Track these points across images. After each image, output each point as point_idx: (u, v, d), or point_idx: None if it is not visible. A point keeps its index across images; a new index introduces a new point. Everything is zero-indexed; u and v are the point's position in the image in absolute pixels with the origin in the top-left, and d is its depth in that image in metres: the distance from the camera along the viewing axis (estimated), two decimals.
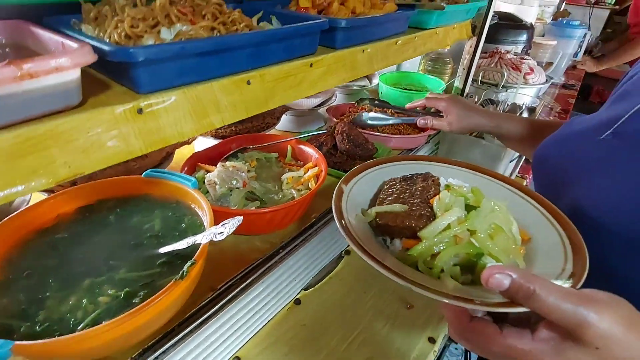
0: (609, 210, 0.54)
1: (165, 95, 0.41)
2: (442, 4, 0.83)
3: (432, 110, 1.04)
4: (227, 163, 0.72)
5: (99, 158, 0.37)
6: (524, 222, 0.58)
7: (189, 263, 0.48)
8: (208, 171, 0.75)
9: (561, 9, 3.59)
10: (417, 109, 1.08)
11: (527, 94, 1.51)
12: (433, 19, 0.89)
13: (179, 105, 0.43)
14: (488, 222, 0.51)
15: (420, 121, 0.98)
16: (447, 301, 0.38)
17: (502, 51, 1.66)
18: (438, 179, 0.64)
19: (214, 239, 0.50)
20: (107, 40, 0.41)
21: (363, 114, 1.07)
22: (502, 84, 1.53)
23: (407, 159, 0.76)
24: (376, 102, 1.19)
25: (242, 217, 0.50)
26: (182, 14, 0.44)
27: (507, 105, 1.29)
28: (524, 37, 1.92)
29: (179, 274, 0.47)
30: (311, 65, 0.60)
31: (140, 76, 0.39)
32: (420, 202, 0.57)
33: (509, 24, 1.91)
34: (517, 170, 1.31)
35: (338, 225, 0.52)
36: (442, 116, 0.95)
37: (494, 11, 2.09)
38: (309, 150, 0.86)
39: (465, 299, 0.37)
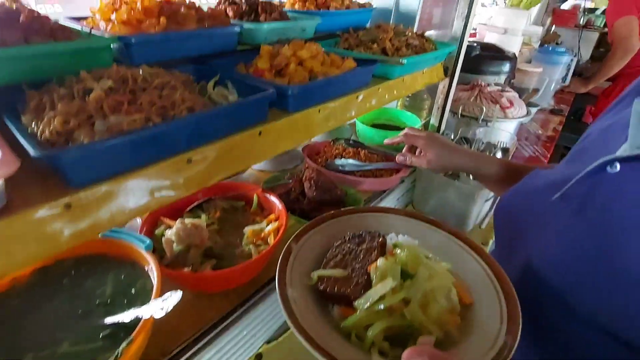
0: (553, 269, 0.56)
1: (95, 188, 0.42)
2: (401, 60, 0.85)
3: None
4: (187, 220, 0.73)
5: (23, 258, 0.38)
6: (471, 282, 0.60)
7: (124, 344, 0.49)
8: (169, 226, 0.76)
9: (551, 32, 3.64)
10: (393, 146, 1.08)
11: (506, 129, 1.53)
12: (396, 70, 0.91)
13: (111, 195, 0.44)
14: (422, 291, 0.52)
15: (399, 157, 0.97)
16: None
17: (482, 84, 1.68)
18: (385, 239, 0.64)
19: (155, 315, 0.51)
20: (40, 135, 0.42)
21: (335, 160, 1.09)
22: (482, 117, 1.55)
23: (364, 210, 0.78)
24: (351, 142, 1.20)
25: (180, 292, 0.51)
26: (118, 103, 0.46)
27: (482, 143, 1.30)
28: (506, 68, 1.94)
29: (114, 355, 0.48)
30: (260, 133, 0.61)
31: (66, 173, 0.40)
32: (360, 267, 0.58)
33: (491, 55, 1.95)
34: (493, 209, 1.30)
35: (278, 293, 0.52)
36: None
37: (477, 42, 2.13)
38: (274, 199, 0.87)
39: None
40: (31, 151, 0.38)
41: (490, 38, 2.29)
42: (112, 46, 0.61)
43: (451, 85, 1.22)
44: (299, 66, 0.75)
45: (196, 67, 0.74)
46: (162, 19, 0.67)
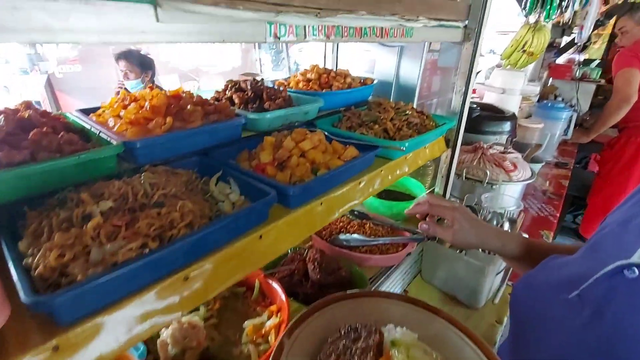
0: None
1: (85, 324, 0.40)
2: (402, 147, 0.86)
3: (435, 218, 0.92)
4: (184, 319, 0.70)
5: None
6: None
7: None
8: None
9: (548, 85, 3.75)
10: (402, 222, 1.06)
11: (511, 193, 1.51)
12: (398, 151, 0.91)
13: (100, 329, 0.42)
14: None
15: (422, 225, 0.88)
16: None
17: (485, 146, 1.69)
18: (382, 337, 0.61)
19: None
20: (34, 269, 0.41)
21: (340, 235, 1.06)
22: (487, 181, 1.54)
23: (363, 295, 0.75)
24: (356, 213, 1.19)
25: None
26: (115, 228, 0.46)
27: (489, 212, 1.28)
28: (507, 127, 1.97)
29: None
30: (260, 237, 0.60)
31: (54, 316, 0.38)
32: None
33: (491, 115, 1.98)
34: (507, 278, 1.25)
35: None
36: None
37: (476, 103, 2.18)
38: (276, 287, 0.84)
39: None
40: (22, 295, 0.37)
41: (489, 97, 2.35)
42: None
43: (454, 156, 1.22)
44: (301, 158, 0.76)
45: (201, 160, 0.75)
46: (169, 119, 0.69)
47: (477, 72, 1.38)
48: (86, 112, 0.81)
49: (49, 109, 0.78)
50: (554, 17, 1.96)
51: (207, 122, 0.74)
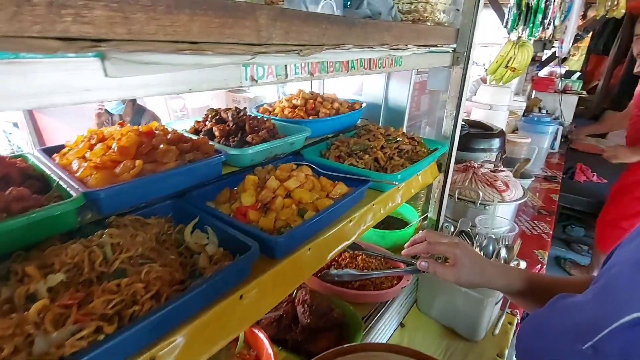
0: None
1: None
2: (395, 182, 0.80)
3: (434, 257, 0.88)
4: None
5: None
6: None
7: None
8: None
9: (532, 97, 3.81)
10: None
11: (503, 213, 1.48)
12: (389, 185, 0.86)
13: None
14: None
15: (421, 263, 0.82)
16: None
17: (475, 165, 1.66)
18: None
19: None
20: None
21: (331, 270, 0.99)
22: (479, 201, 1.50)
23: (364, 348, 0.69)
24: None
25: None
26: (65, 309, 0.39)
27: (484, 238, 1.23)
28: (496, 144, 1.95)
29: None
30: (241, 297, 0.53)
31: None
32: None
33: (480, 132, 1.97)
34: (507, 306, 1.20)
35: None
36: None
37: (464, 120, 2.17)
38: (262, 337, 0.77)
39: None
40: None
41: (477, 114, 2.35)
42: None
43: (446, 181, 1.18)
44: (287, 198, 0.70)
45: (176, 204, 0.68)
46: (138, 162, 0.63)
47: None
48: (50, 151, 0.73)
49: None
50: (537, 34, 1.97)
51: (183, 162, 0.68)
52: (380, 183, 0.84)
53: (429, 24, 0.92)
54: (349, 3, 0.79)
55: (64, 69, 0.28)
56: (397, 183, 0.80)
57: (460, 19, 0.97)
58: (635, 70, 3.89)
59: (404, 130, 1.19)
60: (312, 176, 0.77)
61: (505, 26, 2.02)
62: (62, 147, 0.74)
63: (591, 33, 4.07)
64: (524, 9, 1.88)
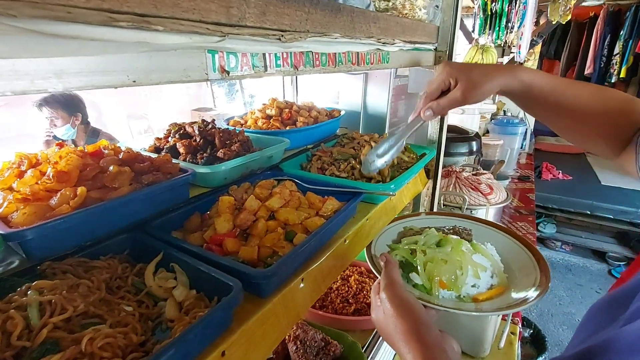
0: None
1: None
2: (390, 192, 0.72)
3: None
4: None
5: None
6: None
7: None
8: None
9: (497, 101, 3.94)
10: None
11: (490, 219, 1.43)
12: (382, 196, 0.77)
13: None
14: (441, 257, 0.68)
15: (425, 112, 0.64)
16: None
17: (457, 170, 1.63)
18: None
19: None
20: None
21: (368, 156, 0.73)
22: (465, 207, 1.45)
23: None
24: None
25: None
26: None
27: None
28: (474, 147, 1.94)
29: None
30: (223, 354, 0.41)
31: None
32: None
33: (457, 137, 1.95)
34: (510, 316, 1.13)
35: None
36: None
37: None
38: None
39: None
40: None
41: (451, 119, 2.35)
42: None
43: (435, 187, 1.11)
44: (271, 221, 0.59)
45: (134, 237, 0.55)
46: (81, 190, 0.50)
47: None
48: None
49: None
50: (502, 38, 2.01)
51: (140, 187, 0.55)
52: (373, 195, 0.75)
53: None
54: None
55: None
56: (393, 193, 0.71)
57: (439, 16, 0.92)
58: (585, 72, 4.13)
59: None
60: (297, 192, 0.66)
61: (472, 31, 2.04)
62: None
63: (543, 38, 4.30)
64: (489, 13, 1.91)
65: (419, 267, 0.68)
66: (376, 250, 0.73)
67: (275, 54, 0.39)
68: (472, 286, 0.68)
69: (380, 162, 0.70)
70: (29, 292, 0.37)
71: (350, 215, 0.70)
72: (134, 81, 0.26)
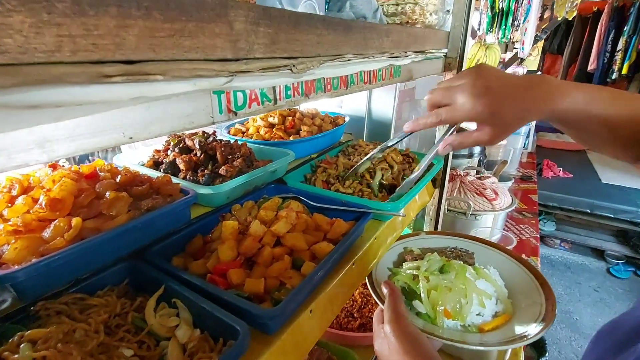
0: None
1: None
2: (400, 212, 0.69)
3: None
4: None
5: None
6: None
7: None
8: None
9: None
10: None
11: (493, 223, 1.41)
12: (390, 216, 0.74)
13: None
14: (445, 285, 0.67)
15: (443, 148, 0.57)
16: None
17: (462, 174, 1.60)
18: None
19: None
20: None
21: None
22: (470, 212, 1.43)
23: None
24: None
25: None
26: None
27: None
28: (478, 149, 1.91)
29: None
30: None
31: None
32: None
33: None
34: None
35: None
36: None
37: None
38: None
39: None
40: None
41: None
42: None
43: (442, 196, 1.09)
44: (277, 247, 0.56)
45: (133, 267, 0.52)
46: (76, 221, 0.47)
47: None
48: None
49: None
50: (509, 36, 1.97)
51: (139, 214, 0.52)
52: (382, 214, 0.72)
53: (418, 26, 0.82)
54: (327, 6, 0.68)
55: None
56: (403, 214, 0.68)
57: (450, 21, 0.89)
58: (589, 68, 4.08)
59: None
60: (303, 214, 0.63)
61: (478, 28, 2.00)
62: None
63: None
64: (497, 11, 1.86)
65: (422, 295, 0.67)
66: (377, 274, 0.72)
67: (286, 85, 0.36)
68: (477, 314, 0.66)
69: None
70: (21, 346, 0.34)
71: (358, 237, 0.67)
72: (131, 137, 0.23)
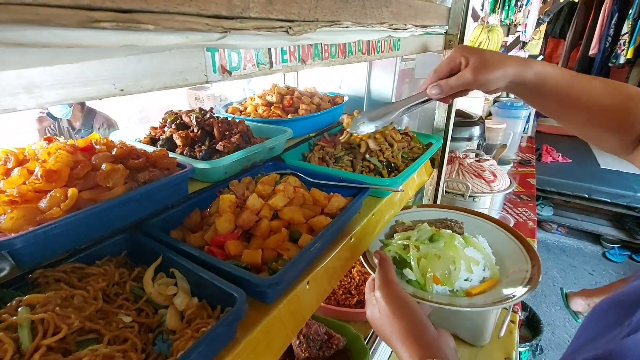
0: None
1: None
2: (399, 188, 0.69)
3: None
4: None
5: None
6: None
7: None
8: None
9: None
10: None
11: (491, 205, 1.42)
12: (388, 192, 0.74)
13: None
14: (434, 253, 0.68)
15: (431, 91, 0.61)
16: None
17: (460, 156, 1.59)
18: None
19: None
20: None
21: (359, 116, 0.74)
22: (468, 194, 1.43)
23: None
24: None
25: None
26: None
27: None
28: (477, 132, 1.90)
29: None
30: None
31: None
32: None
33: (460, 121, 1.90)
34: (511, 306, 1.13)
35: None
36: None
37: None
38: None
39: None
40: None
41: (455, 102, 2.30)
42: None
43: (440, 176, 1.09)
44: (275, 220, 0.57)
45: (130, 237, 0.53)
46: (72, 191, 0.46)
47: None
48: None
49: None
50: (512, 17, 1.93)
51: (135, 185, 0.52)
52: (379, 189, 0.72)
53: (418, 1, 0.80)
54: None
55: None
56: (401, 189, 0.68)
57: None
58: (590, 53, 4.02)
59: None
60: (301, 188, 0.63)
61: (482, 9, 1.96)
62: None
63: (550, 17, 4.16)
64: None
65: (412, 264, 0.68)
66: (369, 247, 0.73)
67: (282, 49, 0.35)
68: (465, 280, 0.68)
69: (369, 127, 0.70)
70: (19, 309, 0.35)
71: (355, 212, 0.67)
72: (122, 90, 0.22)
